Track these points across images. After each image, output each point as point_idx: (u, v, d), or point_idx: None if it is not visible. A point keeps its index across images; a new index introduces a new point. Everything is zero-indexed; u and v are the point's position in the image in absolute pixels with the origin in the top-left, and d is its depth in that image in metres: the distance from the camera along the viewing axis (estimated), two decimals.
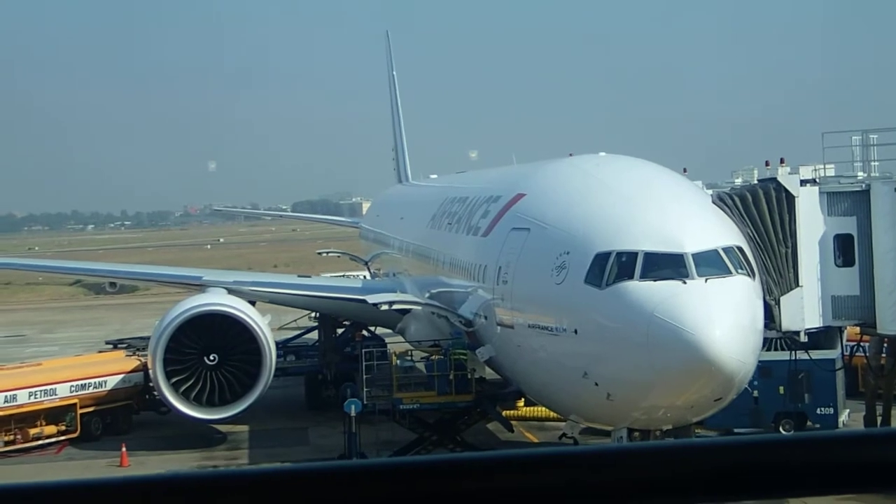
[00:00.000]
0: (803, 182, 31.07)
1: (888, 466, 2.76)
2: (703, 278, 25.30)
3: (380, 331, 52.14)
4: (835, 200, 31.16)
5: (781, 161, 32.05)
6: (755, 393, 36.79)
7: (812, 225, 30.79)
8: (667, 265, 25.61)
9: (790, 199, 30.56)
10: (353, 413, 36.19)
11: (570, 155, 35.71)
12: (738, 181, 33.64)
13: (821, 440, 2.80)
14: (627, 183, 29.41)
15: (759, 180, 31.95)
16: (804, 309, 30.41)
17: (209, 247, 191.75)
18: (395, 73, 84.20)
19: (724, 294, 25.37)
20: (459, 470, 2.80)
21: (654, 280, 25.36)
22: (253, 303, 45.32)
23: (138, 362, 46.32)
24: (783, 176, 31.05)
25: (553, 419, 38.75)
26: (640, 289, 25.29)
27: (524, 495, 2.76)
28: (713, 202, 29.75)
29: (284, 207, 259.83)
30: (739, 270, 26.30)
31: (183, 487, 2.77)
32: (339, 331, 51.61)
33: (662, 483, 2.76)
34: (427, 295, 41.63)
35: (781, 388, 37.81)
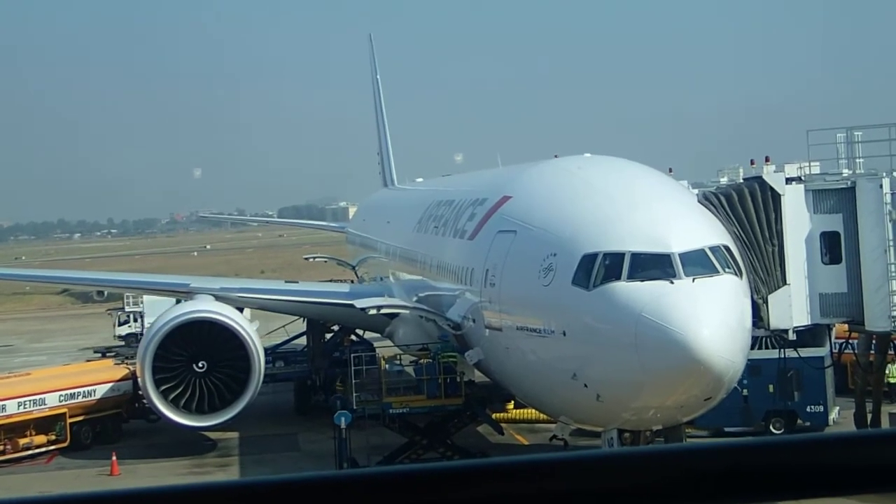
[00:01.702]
0: (789, 180, 31.14)
1: (883, 468, 2.75)
2: (691, 278, 25.26)
3: (368, 335, 52.10)
4: (821, 198, 31.21)
5: (767, 159, 32.08)
6: (745, 392, 36.90)
7: (798, 223, 30.84)
8: (654, 265, 25.57)
9: (776, 197, 30.61)
10: (343, 425, 36.16)
11: (556, 156, 35.72)
12: (724, 180, 33.61)
13: (815, 442, 2.79)
14: (613, 184, 29.39)
15: (744, 179, 31.96)
16: (792, 307, 30.46)
17: (196, 254, 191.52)
18: (378, 76, 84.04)
19: (712, 293, 25.33)
20: (451, 477, 2.79)
21: (642, 280, 25.31)
22: (241, 309, 45.26)
23: (127, 371, 46.25)
24: (768, 174, 31.10)
25: (543, 421, 38.76)
26: (627, 289, 25.24)
27: (518, 503, 2.74)
28: (699, 201, 29.76)
29: (271, 213, 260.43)
30: (727, 269, 26.26)
31: (173, 500, 2.75)
32: (328, 336, 51.54)
33: (656, 488, 2.75)
34: (415, 299, 41.56)
35: (771, 387, 37.94)
